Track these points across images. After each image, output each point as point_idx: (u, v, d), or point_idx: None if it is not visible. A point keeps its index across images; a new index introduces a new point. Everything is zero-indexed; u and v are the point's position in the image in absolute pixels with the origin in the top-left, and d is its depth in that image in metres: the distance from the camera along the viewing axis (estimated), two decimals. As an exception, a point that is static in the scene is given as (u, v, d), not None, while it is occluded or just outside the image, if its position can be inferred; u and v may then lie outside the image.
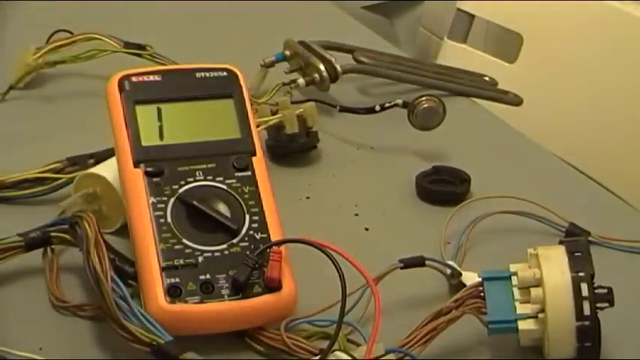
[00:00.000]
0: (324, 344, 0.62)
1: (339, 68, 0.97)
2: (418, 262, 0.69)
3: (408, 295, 0.71)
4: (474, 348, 0.66)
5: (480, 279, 0.65)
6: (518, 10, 1.45)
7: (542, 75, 1.42)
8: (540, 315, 0.63)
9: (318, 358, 0.61)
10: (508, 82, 1.10)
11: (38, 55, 0.98)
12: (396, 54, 1.10)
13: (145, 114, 0.70)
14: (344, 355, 0.60)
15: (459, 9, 1.51)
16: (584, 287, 0.62)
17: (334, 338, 0.61)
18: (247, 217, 0.68)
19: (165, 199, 0.67)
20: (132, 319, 0.61)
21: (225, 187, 0.69)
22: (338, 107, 0.96)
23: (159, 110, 0.70)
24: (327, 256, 0.62)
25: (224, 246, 0.66)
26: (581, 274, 0.62)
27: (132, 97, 0.70)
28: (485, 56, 1.50)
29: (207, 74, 0.72)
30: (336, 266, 0.62)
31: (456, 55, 1.50)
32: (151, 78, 0.72)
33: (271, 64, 0.99)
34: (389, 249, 0.72)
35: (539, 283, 0.63)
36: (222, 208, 0.67)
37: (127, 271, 0.67)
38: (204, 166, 0.69)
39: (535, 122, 1.10)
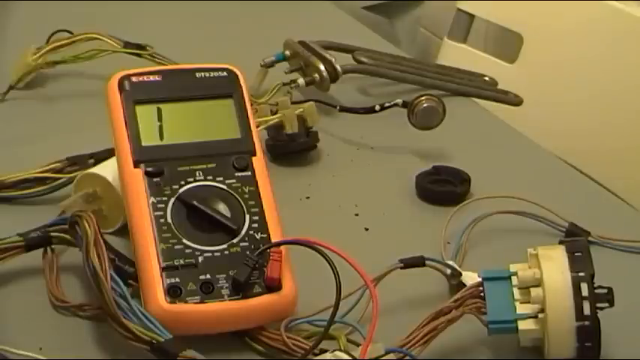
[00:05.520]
0: (325, 344, 0.62)
1: (339, 68, 0.97)
2: (418, 262, 0.69)
3: (408, 295, 0.71)
4: (474, 348, 0.66)
5: (480, 279, 0.64)
6: (518, 10, 1.45)
7: (542, 75, 1.42)
8: (540, 315, 0.63)
9: (300, 355, 0.61)
10: (508, 82, 1.10)
11: (38, 55, 0.98)
12: (396, 54, 1.10)
13: (145, 114, 0.70)
14: (344, 355, 0.60)
15: (458, 9, 1.51)
16: (584, 287, 0.62)
17: (322, 335, 0.61)
18: (247, 217, 0.68)
19: (165, 199, 0.67)
20: (131, 318, 0.61)
21: (225, 187, 0.69)
22: (338, 107, 0.96)
23: (159, 110, 0.70)
24: (324, 257, 0.62)
25: (224, 246, 0.66)
26: (581, 274, 0.62)
27: (132, 97, 0.70)
28: (485, 56, 1.50)
29: (207, 74, 0.72)
30: (331, 267, 0.62)
31: (456, 55, 1.50)
32: (151, 78, 0.72)
33: (271, 64, 0.99)
34: (389, 249, 0.72)
35: (539, 283, 0.63)
36: (222, 208, 0.67)
37: (127, 271, 0.67)
38: (204, 166, 0.69)
39: (535, 122, 1.10)
